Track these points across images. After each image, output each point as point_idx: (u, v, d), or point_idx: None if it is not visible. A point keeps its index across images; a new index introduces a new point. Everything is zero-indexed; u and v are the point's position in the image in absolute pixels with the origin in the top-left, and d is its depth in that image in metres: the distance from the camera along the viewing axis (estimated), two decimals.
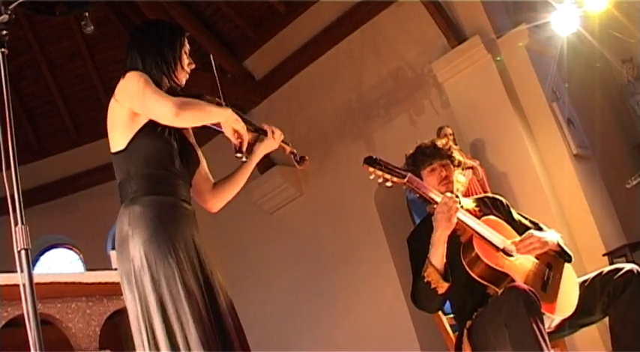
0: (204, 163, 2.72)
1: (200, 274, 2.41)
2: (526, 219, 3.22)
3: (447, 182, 3.08)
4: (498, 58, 6.08)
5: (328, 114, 7.43)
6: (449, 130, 5.82)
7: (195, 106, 2.45)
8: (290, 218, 7.75)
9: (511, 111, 6.06)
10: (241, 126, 2.54)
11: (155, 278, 2.34)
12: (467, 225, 2.93)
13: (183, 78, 2.62)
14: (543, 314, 2.71)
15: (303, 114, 7.53)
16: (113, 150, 2.52)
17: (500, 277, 2.83)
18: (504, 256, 2.90)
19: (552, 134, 6.02)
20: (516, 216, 3.20)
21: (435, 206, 2.92)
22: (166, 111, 2.38)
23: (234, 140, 2.54)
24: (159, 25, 2.67)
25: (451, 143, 3.20)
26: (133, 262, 2.37)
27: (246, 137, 2.56)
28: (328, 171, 7.48)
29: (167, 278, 2.33)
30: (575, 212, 5.83)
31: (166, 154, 2.48)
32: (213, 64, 2.87)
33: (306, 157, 2.83)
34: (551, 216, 5.63)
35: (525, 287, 2.67)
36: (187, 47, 2.65)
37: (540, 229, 3.15)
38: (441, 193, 2.98)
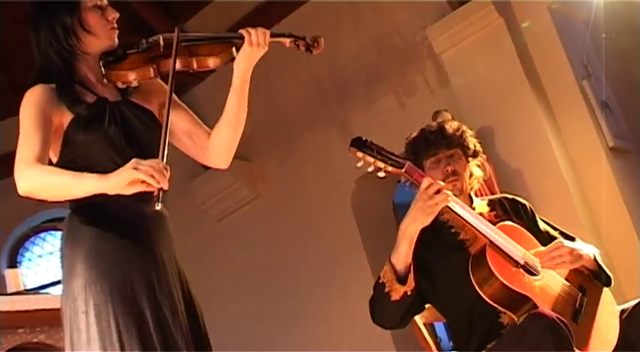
0: (187, 118, 2.77)
1: (155, 300, 2.48)
2: (555, 229, 3.24)
3: (454, 178, 3.11)
4: (525, 24, 6.07)
5: (293, 94, 7.43)
6: (447, 115, 5.77)
7: (48, 184, 2.45)
8: (243, 226, 7.74)
9: (528, 92, 6.04)
10: (131, 176, 2.40)
11: (87, 307, 2.41)
12: (478, 231, 2.96)
13: (103, 39, 2.66)
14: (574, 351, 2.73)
15: (261, 93, 7.28)
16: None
17: (519, 301, 2.87)
18: (526, 274, 2.94)
19: (582, 121, 6.00)
20: (542, 226, 3.24)
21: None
22: (18, 183, 2.43)
23: (146, 189, 2.44)
24: None
25: (464, 127, 3.18)
26: (68, 291, 2.44)
27: (152, 176, 2.40)
28: (292, 167, 7.47)
29: (96, 306, 2.40)
30: (611, 221, 5.79)
31: (105, 148, 2.54)
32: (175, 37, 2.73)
33: (319, 37, 2.82)
34: (580, 225, 5.59)
35: (553, 314, 2.71)
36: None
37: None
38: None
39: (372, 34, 6.96)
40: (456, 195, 3.08)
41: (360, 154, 2.87)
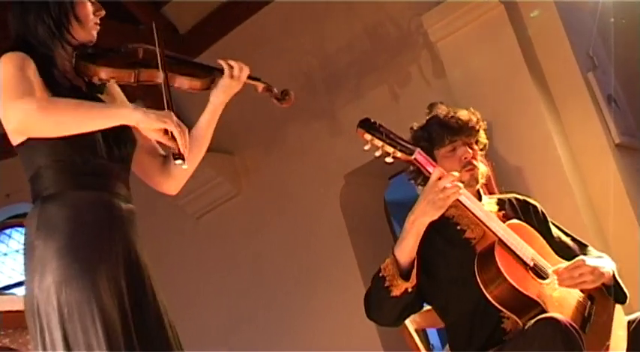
0: (146, 136, 2.74)
1: (129, 301, 2.49)
2: (568, 235, 3.23)
3: (471, 168, 3.10)
4: (533, 14, 6.03)
5: (279, 83, 7.03)
6: (444, 109, 5.68)
7: (64, 109, 2.43)
8: (224, 224, 7.73)
9: (530, 84, 6.00)
10: (164, 122, 2.47)
11: (62, 305, 2.37)
12: (488, 227, 2.97)
13: (88, 32, 2.73)
14: None
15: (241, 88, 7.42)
16: (14, 142, 2.58)
17: (526, 305, 2.89)
18: (535, 278, 2.96)
19: (586, 116, 5.96)
20: (555, 231, 3.25)
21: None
22: (12, 120, 2.41)
23: (166, 142, 2.52)
24: None
25: (479, 115, 3.18)
26: (40, 288, 2.41)
27: (181, 133, 2.50)
28: (277, 162, 7.45)
29: (80, 305, 2.37)
30: (616, 223, 5.76)
31: (84, 135, 2.50)
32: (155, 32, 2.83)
33: (290, 91, 2.98)
34: (583, 227, 5.56)
35: (566, 320, 2.73)
36: None
37: (585, 252, 3.15)
38: (462, 181, 3.01)
39: (364, 21, 6.92)
40: (472, 185, 3.09)
41: (367, 136, 2.86)
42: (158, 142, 2.68)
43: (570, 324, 2.70)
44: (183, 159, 2.54)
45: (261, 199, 7.54)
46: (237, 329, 7.51)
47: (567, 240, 3.32)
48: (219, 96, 2.85)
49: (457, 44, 6.26)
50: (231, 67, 2.84)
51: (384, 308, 3.02)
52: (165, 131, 2.49)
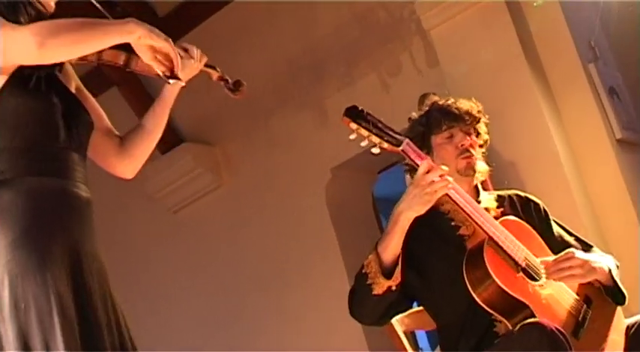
0: (101, 115, 2.83)
1: (84, 297, 2.44)
2: (571, 234, 3.24)
3: (468, 155, 3.12)
4: (537, 3, 6.00)
5: (262, 71, 7.35)
6: (436, 99, 5.70)
7: (71, 27, 2.42)
8: (203, 219, 7.70)
9: (527, 75, 5.99)
10: (162, 39, 2.54)
11: (19, 300, 2.33)
12: (477, 223, 2.99)
13: (51, 4, 2.66)
14: None
15: (226, 70, 7.32)
16: None
17: (516, 307, 2.91)
18: (526, 279, 2.97)
19: (586, 109, 5.97)
20: (556, 230, 3.25)
21: None
22: (25, 44, 2.36)
23: (156, 66, 2.59)
24: None
25: (480, 107, 3.19)
26: None
27: (174, 51, 2.59)
28: (259, 154, 7.45)
29: (37, 300, 2.34)
30: (616, 221, 5.80)
31: (47, 118, 2.49)
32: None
33: (243, 82, 3.00)
34: (581, 225, 5.53)
35: (552, 324, 2.75)
36: None
37: (587, 252, 3.13)
38: (458, 170, 3.11)
39: (353, 7, 6.91)
40: (469, 175, 3.09)
41: (353, 125, 2.86)
42: (138, 74, 2.69)
43: (557, 329, 2.71)
44: (179, 79, 2.64)
45: (243, 193, 7.52)
46: (216, 330, 7.50)
47: (570, 239, 3.32)
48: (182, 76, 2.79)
49: (451, 32, 6.23)
50: (192, 50, 2.85)
51: (365, 307, 3.03)
52: (155, 56, 2.56)
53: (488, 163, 5.72)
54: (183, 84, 2.76)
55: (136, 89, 7.16)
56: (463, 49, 6.22)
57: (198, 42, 7.47)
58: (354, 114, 2.86)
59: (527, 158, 5.98)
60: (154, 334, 7.55)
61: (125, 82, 7.24)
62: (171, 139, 7.56)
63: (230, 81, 3.03)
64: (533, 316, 2.83)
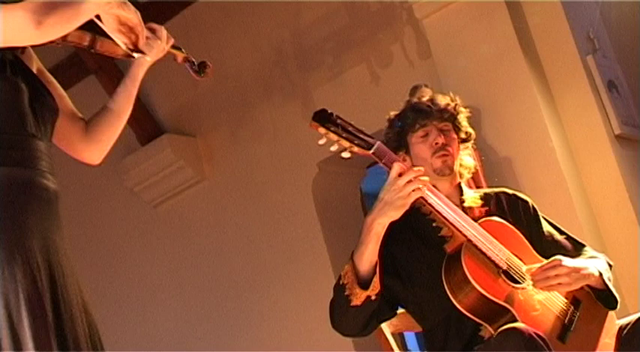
0: (64, 97, 2.82)
1: (61, 294, 2.43)
2: (562, 233, 3.24)
3: (444, 153, 3.13)
4: None
5: (246, 60, 7.39)
6: (428, 92, 5.68)
7: (63, 3, 2.44)
8: (184, 214, 7.69)
9: (523, 67, 5.99)
10: (131, 11, 2.56)
11: None
12: (454, 226, 2.98)
13: None
14: None
15: (209, 57, 7.24)
16: None
17: (497, 312, 2.92)
18: (507, 282, 2.97)
19: (584, 103, 5.96)
20: (546, 228, 3.25)
21: None
22: (22, 24, 2.37)
23: (119, 37, 2.60)
24: None
25: (459, 101, 3.19)
26: None
27: (141, 25, 2.61)
28: (244, 146, 7.44)
29: (5, 296, 2.33)
30: (614, 220, 5.80)
31: (14, 104, 2.48)
32: None
33: (209, 63, 3.02)
34: (578, 225, 5.57)
35: (530, 329, 2.76)
36: None
37: (581, 252, 3.14)
38: (434, 169, 3.10)
39: None
40: (446, 174, 3.08)
41: (322, 130, 2.87)
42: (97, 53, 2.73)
43: (536, 334, 2.71)
44: (143, 53, 2.66)
45: (226, 187, 7.51)
46: (198, 329, 7.50)
47: (561, 238, 3.31)
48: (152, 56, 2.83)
49: (445, 22, 6.22)
50: (160, 30, 2.85)
51: (346, 319, 3.03)
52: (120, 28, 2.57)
53: (480, 158, 5.81)
54: (149, 59, 2.76)
55: (113, 77, 7.13)
56: (457, 39, 6.21)
57: (181, 29, 7.53)
58: (323, 118, 2.87)
59: (523, 154, 5.98)
60: (133, 334, 7.62)
61: (103, 70, 7.21)
62: (151, 130, 7.55)
63: (195, 62, 3.03)
64: (516, 320, 2.83)
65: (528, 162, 5.96)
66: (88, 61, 7.03)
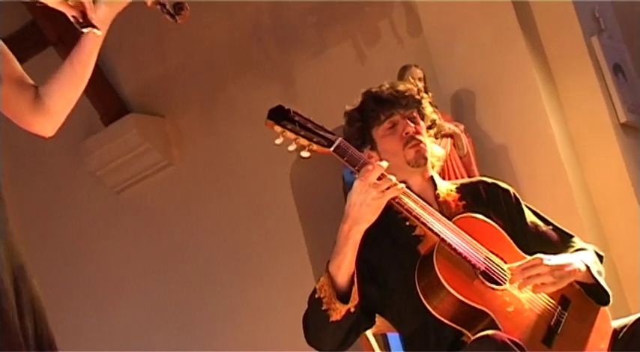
0: (11, 60, 2.72)
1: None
2: (548, 223, 3.21)
3: (416, 143, 3.09)
4: None
5: (220, 32, 7.41)
6: (418, 73, 5.88)
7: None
8: (150, 201, 7.75)
9: (522, 48, 6.04)
10: None
11: None
12: (425, 225, 2.92)
13: None
14: None
15: (176, 34, 7.35)
16: None
17: (475, 317, 2.87)
18: (486, 283, 2.91)
19: (588, 88, 6.01)
20: (530, 218, 3.20)
21: None
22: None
23: (65, 10, 2.53)
24: None
25: (421, 86, 3.17)
26: None
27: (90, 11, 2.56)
28: (216, 127, 7.49)
29: None
30: (617, 214, 5.85)
31: None
32: None
33: (185, 4, 2.83)
34: (577, 217, 5.65)
35: (504, 336, 2.71)
36: None
37: (568, 244, 3.11)
38: (407, 161, 3.03)
39: None
40: (420, 165, 3.07)
41: (278, 129, 2.82)
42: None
43: (510, 340, 2.66)
44: (94, 26, 2.57)
45: (196, 172, 7.53)
46: (162, 327, 7.50)
47: (546, 229, 3.25)
48: (109, 6, 2.74)
49: None
50: None
51: (324, 335, 2.99)
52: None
53: (474, 146, 5.81)
54: (100, 33, 2.64)
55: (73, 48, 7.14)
56: (451, 16, 6.22)
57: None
58: (279, 115, 2.82)
59: (520, 141, 6.01)
60: (93, 330, 7.61)
61: (62, 42, 7.17)
62: (115, 109, 7.49)
63: (168, 3, 2.87)
64: (495, 325, 2.82)
65: (526, 151, 5.98)
66: (48, 33, 7.00)
